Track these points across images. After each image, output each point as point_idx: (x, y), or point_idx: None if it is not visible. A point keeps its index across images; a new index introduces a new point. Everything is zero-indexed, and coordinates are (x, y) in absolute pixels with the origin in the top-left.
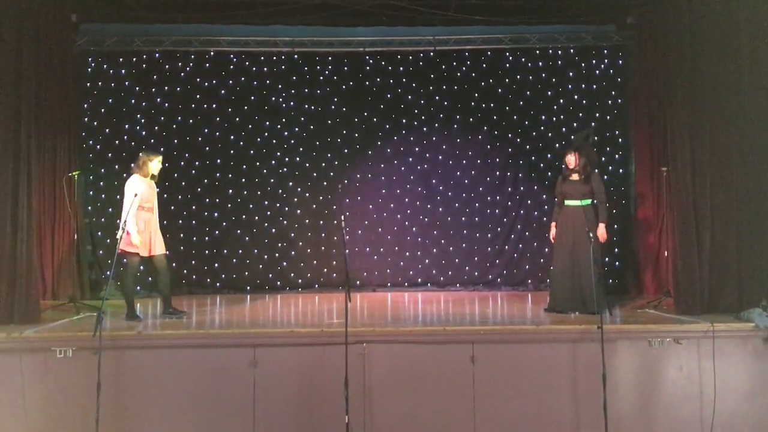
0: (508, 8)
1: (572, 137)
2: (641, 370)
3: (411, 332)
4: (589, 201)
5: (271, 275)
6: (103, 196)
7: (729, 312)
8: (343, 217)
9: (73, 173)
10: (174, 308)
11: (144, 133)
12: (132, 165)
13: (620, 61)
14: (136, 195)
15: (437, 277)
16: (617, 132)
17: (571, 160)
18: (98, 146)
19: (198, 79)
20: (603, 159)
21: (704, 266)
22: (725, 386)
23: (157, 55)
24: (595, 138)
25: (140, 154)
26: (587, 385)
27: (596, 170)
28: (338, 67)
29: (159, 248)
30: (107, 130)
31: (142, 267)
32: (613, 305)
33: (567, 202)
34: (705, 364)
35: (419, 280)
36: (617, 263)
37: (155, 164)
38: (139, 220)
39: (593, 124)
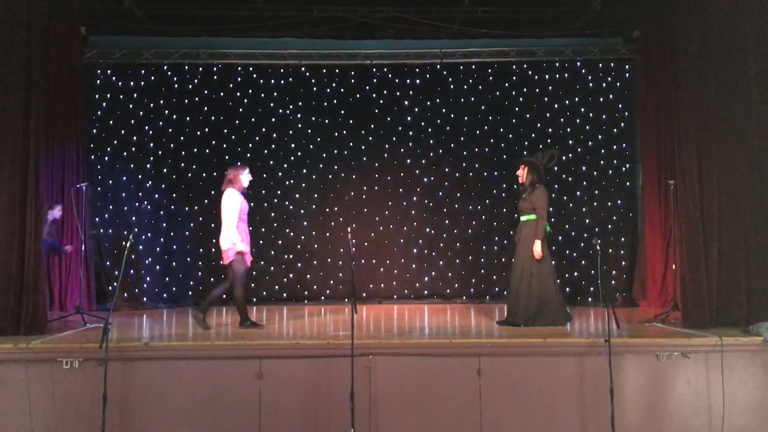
0: (515, 22)
1: (534, 155)
2: (649, 383)
3: (417, 345)
4: (533, 216)
5: (277, 287)
6: (110, 207)
7: (737, 326)
8: (349, 228)
9: (81, 185)
10: (251, 321)
11: (152, 144)
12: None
13: (627, 75)
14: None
15: (443, 290)
16: (624, 145)
17: (519, 174)
18: (106, 158)
19: (206, 92)
20: (610, 172)
21: (712, 280)
22: (734, 400)
23: (165, 67)
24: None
25: (229, 169)
26: (594, 399)
27: (543, 186)
28: (345, 80)
29: (247, 259)
30: (115, 142)
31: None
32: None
33: (521, 218)
34: (713, 378)
35: (425, 292)
36: (624, 276)
37: (246, 177)
38: (240, 232)
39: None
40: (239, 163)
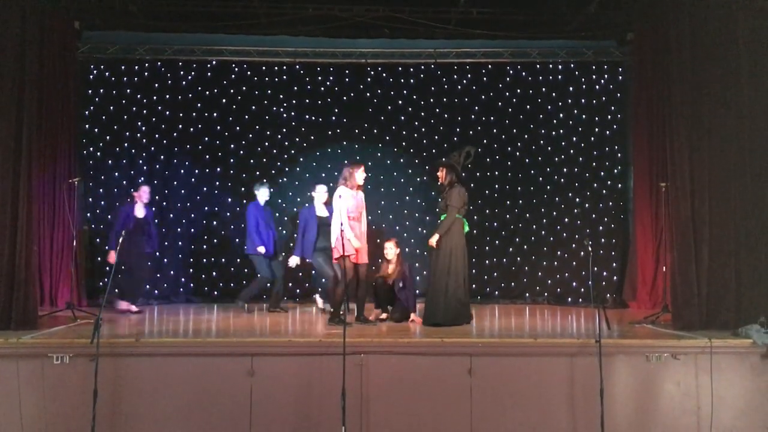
0: (509, 23)
1: (451, 154)
2: (639, 384)
3: (409, 344)
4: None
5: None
6: (102, 203)
7: (727, 328)
8: (341, 226)
9: (74, 180)
10: (364, 316)
11: (144, 141)
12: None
13: (620, 77)
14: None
15: None
16: (616, 147)
17: (439, 176)
18: (98, 153)
19: (199, 88)
20: (602, 174)
21: (702, 282)
22: (722, 402)
23: (159, 63)
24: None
25: (345, 167)
26: (584, 399)
27: (461, 186)
28: (340, 78)
29: (362, 257)
30: (108, 138)
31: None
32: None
33: (441, 217)
34: (702, 379)
35: (417, 291)
36: (615, 277)
37: (360, 174)
38: (352, 229)
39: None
40: (356, 160)
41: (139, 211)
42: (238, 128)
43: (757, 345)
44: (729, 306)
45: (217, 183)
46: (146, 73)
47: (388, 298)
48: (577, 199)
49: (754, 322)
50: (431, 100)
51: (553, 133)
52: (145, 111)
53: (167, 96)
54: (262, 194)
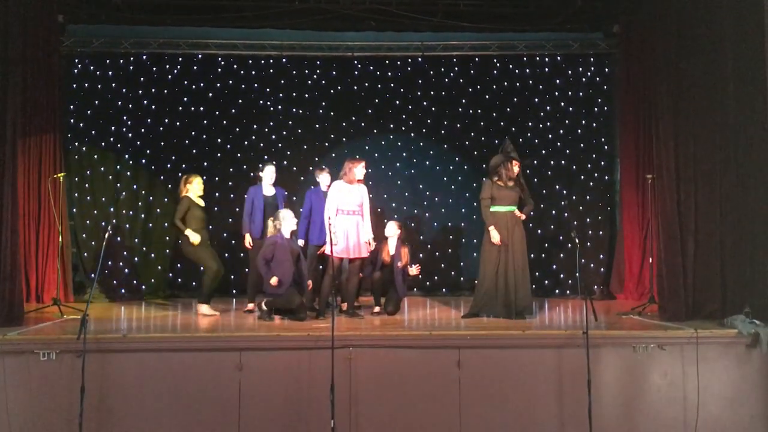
0: (496, 15)
1: (506, 147)
2: (625, 375)
3: (397, 337)
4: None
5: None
6: (88, 198)
7: (713, 318)
8: (329, 219)
9: (59, 175)
10: (354, 309)
11: (130, 135)
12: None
13: (606, 69)
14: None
15: (423, 282)
16: (603, 139)
17: (516, 169)
18: (84, 148)
19: (185, 82)
20: (588, 166)
21: (688, 273)
22: (708, 392)
23: (144, 57)
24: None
25: (345, 162)
26: (572, 390)
27: (486, 178)
28: (326, 71)
29: (354, 253)
30: (93, 132)
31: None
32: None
33: (500, 208)
34: (689, 370)
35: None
36: (602, 269)
37: (359, 170)
38: (337, 224)
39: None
40: (357, 156)
41: None
42: (224, 122)
43: (742, 335)
44: (715, 297)
45: (204, 177)
46: (131, 67)
47: (382, 291)
48: (564, 191)
49: (739, 312)
50: (418, 93)
51: (540, 125)
52: (130, 105)
53: (153, 90)
54: None
